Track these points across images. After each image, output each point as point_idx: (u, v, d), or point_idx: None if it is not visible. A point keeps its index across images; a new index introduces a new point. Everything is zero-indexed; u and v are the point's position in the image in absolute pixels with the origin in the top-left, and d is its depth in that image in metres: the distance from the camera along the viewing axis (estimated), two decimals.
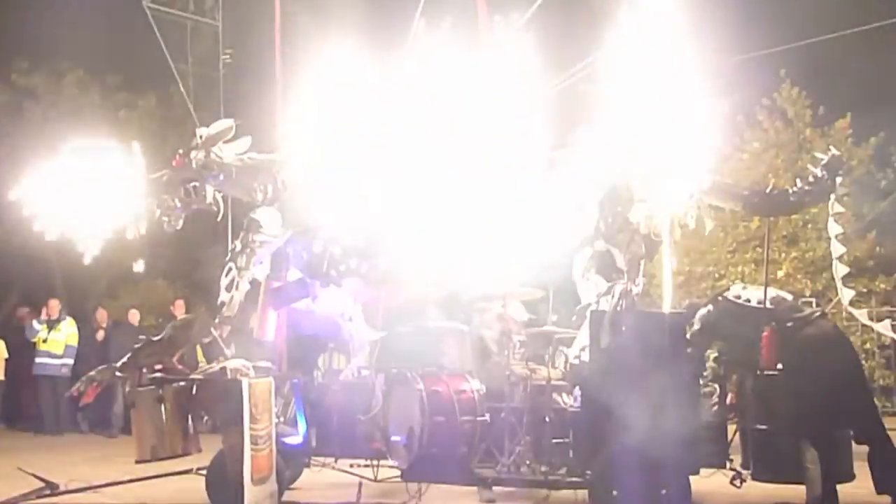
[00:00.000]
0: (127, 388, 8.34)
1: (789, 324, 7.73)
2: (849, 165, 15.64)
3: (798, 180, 8.57)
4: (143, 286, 20.11)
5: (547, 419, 8.32)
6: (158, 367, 8.35)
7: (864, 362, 15.63)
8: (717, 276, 18.01)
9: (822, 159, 8.31)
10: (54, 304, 15.09)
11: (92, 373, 8.50)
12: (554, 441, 8.25)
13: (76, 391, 8.57)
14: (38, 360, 14.79)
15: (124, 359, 8.37)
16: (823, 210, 8.46)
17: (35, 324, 14.93)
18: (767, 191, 8.55)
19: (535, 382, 8.47)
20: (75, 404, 13.30)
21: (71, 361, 14.74)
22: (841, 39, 13.91)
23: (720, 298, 8.11)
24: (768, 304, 7.79)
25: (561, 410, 8.46)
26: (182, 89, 16.75)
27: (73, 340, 14.95)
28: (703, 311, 8.06)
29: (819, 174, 8.28)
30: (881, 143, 17.63)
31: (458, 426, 8.24)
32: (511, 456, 8.20)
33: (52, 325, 14.84)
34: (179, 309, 14.82)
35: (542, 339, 8.91)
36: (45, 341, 14.75)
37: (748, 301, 7.92)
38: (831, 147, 8.72)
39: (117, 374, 8.31)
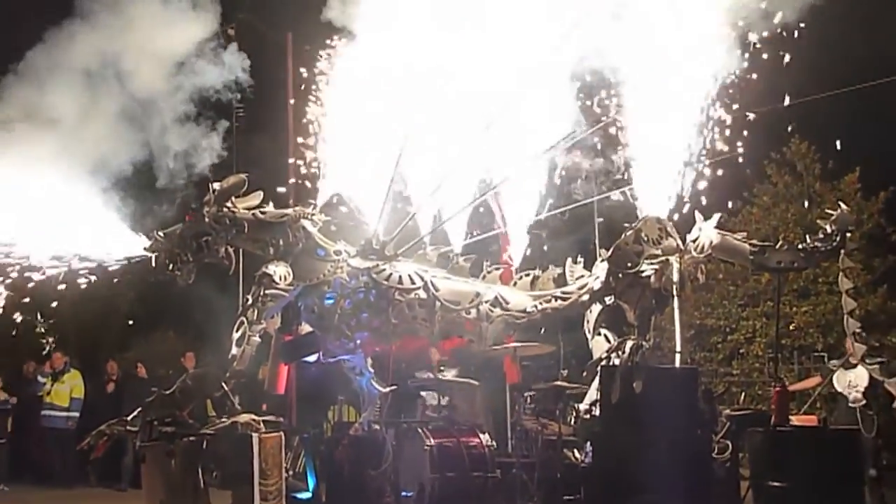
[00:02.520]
0: (137, 442, 8.32)
1: None
2: (859, 219, 15.65)
3: (808, 236, 8.62)
4: (154, 338, 20.15)
5: (558, 475, 8.28)
6: (169, 420, 8.34)
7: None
8: (727, 329, 17.95)
9: (831, 215, 8.37)
10: (58, 357, 15.07)
11: (102, 427, 8.49)
12: (565, 497, 8.20)
13: (86, 445, 8.55)
14: (43, 412, 14.75)
15: (135, 412, 8.37)
16: (834, 263, 8.48)
17: (39, 377, 14.93)
18: (777, 246, 8.58)
19: (547, 437, 8.44)
20: (84, 457, 13.26)
21: (76, 414, 14.69)
22: (850, 94, 14.03)
23: None
24: None
25: (572, 466, 8.42)
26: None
27: (79, 392, 14.89)
28: None
29: (829, 230, 8.33)
30: (891, 197, 17.65)
31: (468, 481, 8.20)
32: None
33: (56, 377, 14.83)
34: (190, 361, 14.78)
35: (553, 393, 8.90)
36: (49, 394, 14.73)
37: None
38: (840, 202, 8.77)
39: (128, 427, 8.31)
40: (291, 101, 13.27)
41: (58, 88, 9.29)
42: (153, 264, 8.89)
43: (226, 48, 10.40)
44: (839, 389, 10.79)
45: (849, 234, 8.37)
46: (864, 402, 10.45)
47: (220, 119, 10.64)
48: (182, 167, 10.28)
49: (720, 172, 10.19)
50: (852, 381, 10.49)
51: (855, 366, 10.33)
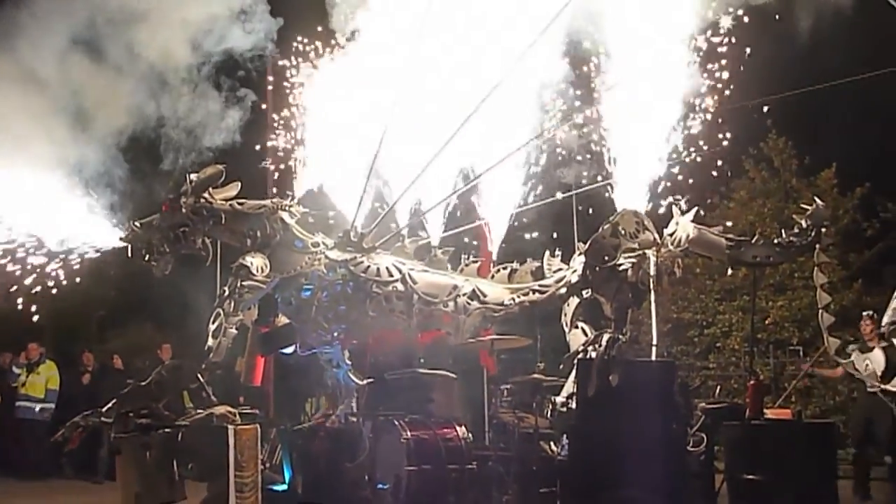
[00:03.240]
0: (112, 434, 8.27)
1: None
2: (834, 215, 15.76)
3: (783, 231, 8.67)
4: (131, 329, 20.06)
5: (534, 468, 8.29)
6: (144, 412, 8.29)
7: (851, 411, 15.71)
8: (704, 323, 18.05)
9: (807, 210, 8.41)
10: (33, 347, 14.96)
11: (77, 418, 8.43)
12: (541, 490, 8.21)
13: (60, 437, 8.49)
14: (18, 403, 14.67)
15: (110, 404, 8.32)
16: (810, 258, 8.53)
17: (14, 368, 14.82)
18: (753, 241, 8.62)
19: (523, 430, 8.45)
20: (59, 449, 13.18)
21: (52, 405, 14.61)
22: (826, 91, 14.12)
23: None
24: None
25: (548, 459, 8.44)
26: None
27: (54, 384, 14.82)
28: None
29: (804, 225, 8.38)
30: (866, 192, 17.79)
31: (444, 474, 8.21)
32: None
33: (31, 368, 14.73)
34: (166, 353, 14.72)
35: (530, 386, 8.91)
36: (24, 385, 14.64)
37: None
38: (816, 198, 8.82)
39: (103, 419, 8.25)
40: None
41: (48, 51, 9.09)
42: (129, 255, 8.83)
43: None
44: (859, 375, 10.70)
45: (824, 230, 8.42)
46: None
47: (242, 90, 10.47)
48: (191, 143, 10.21)
49: (699, 166, 10.28)
50: (869, 364, 10.45)
51: (872, 349, 10.27)
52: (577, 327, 8.91)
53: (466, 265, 9.48)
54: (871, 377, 10.18)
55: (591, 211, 11.36)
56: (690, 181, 10.60)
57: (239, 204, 8.89)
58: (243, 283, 8.60)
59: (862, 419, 11.01)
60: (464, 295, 8.99)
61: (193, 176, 8.84)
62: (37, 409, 14.58)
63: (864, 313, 10.48)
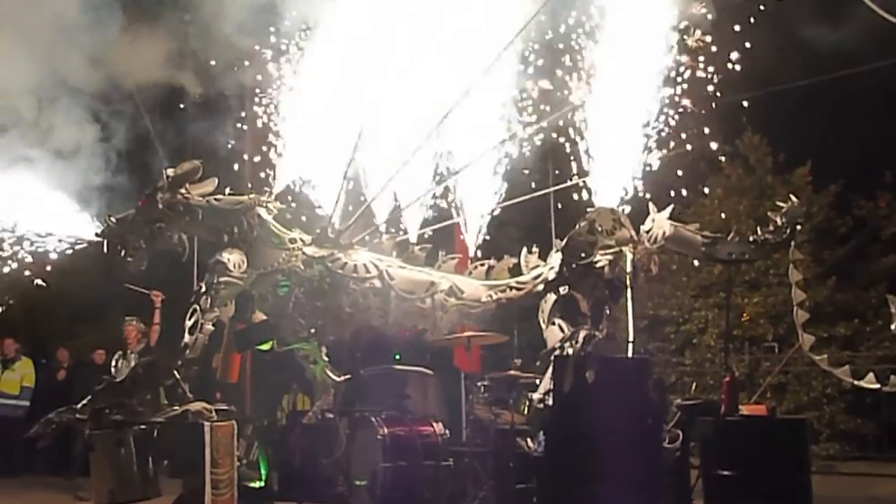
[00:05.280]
0: (87, 431, 8.23)
1: None
2: (809, 212, 15.84)
3: (759, 228, 8.72)
4: (104, 325, 19.88)
5: (511, 464, 8.31)
6: (119, 408, 8.26)
7: (825, 407, 15.84)
8: (680, 320, 18.11)
9: (782, 208, 8.47)
10: (10, 344, 14.83)
11: (51, 415, 8.40)
12: (517, 486, 8.23)
13: (34, 433, 8.45)
14: None
15: (85, 401, 8.28)
16: (785, 255, 8.58)
17: None
18: (728, 238, 8.67)
19: (500, 427, 8.47)
20: (33, 445, 13.07)
21: (26, 403, 14.49)
22: (802, 88, 14.23)
23: None
24: None
25: (524, 455, 8.45)
26: (150, 127, 16.72)
27: (30, 381, 14.70)
28: None
29: (779, 222, 8.43)
30: (840, 190, 17.90)
31: (420, 470, 8.22)
32: (475, 501, 8.18)
33: (6, 365, 14.60)
34: None
35: (506, 383, 8.93)
36: None
37: None
38: (791, 195, 8.87)
39: (78, 416, 8.22)
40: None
41: None
42: (104, 250, 8.79)
43: None
44: None
45: (799, 227, 8.48)
46: None
47: None
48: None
49: (675, 163, 10.33)
50: None
51: None
52: (553, 324, 8.91)
53: (444, 262, 9.48)
54: None
55: (567, 208, 11.39)
56: (666, 178, 10.63)
57: (216, 200, 8.86)
58: (220, 279, 8.58)
59: None
60: (441, 291, 8.99)
61: (170, 171, 8.80)
62: (10, 406, 14.45)
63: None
